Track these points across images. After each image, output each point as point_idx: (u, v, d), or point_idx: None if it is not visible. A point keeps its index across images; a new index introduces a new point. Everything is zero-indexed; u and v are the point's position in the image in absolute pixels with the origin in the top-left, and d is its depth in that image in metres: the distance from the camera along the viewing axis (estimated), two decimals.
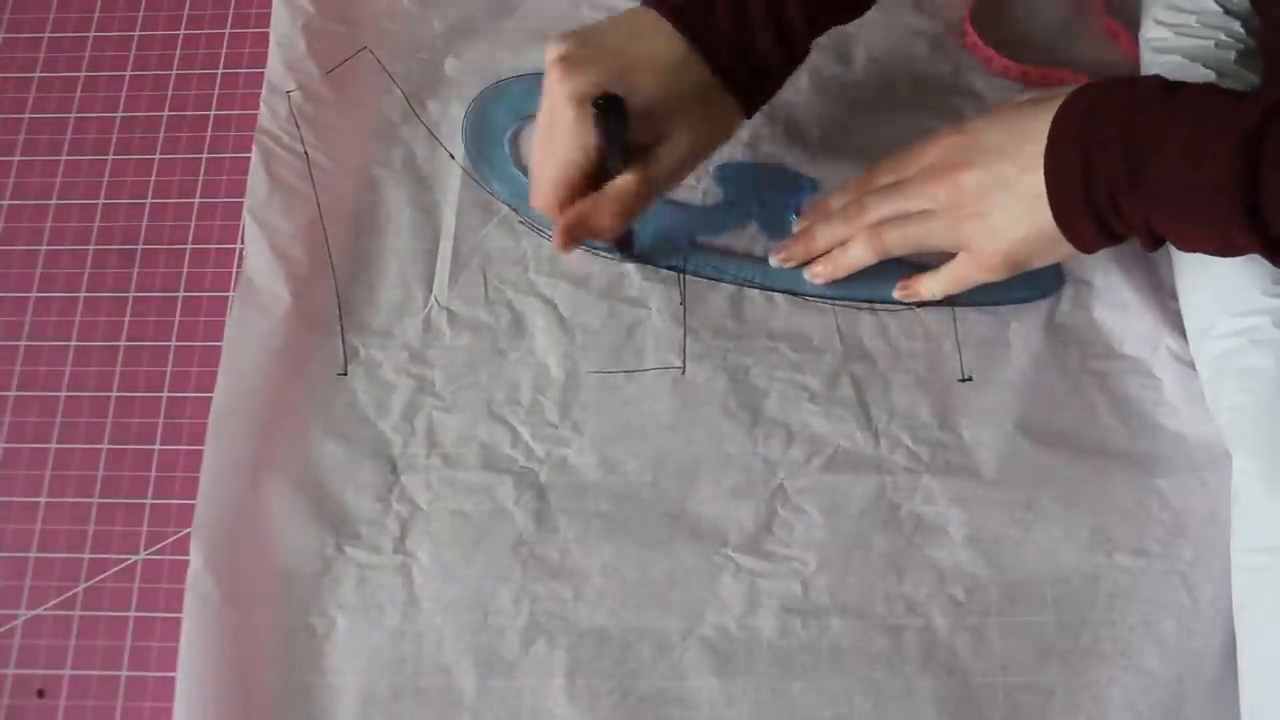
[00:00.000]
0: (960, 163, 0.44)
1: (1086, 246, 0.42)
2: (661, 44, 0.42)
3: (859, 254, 0.47)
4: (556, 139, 0.42)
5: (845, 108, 0.53)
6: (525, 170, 0.52)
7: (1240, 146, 0.35)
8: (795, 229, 0.50)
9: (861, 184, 0.48)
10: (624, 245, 0.49)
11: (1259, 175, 0.35)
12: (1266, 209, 0.36)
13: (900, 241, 0.46)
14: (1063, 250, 0.42)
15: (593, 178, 0.43)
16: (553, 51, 0.42)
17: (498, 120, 0.53)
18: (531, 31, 0.55)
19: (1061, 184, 0.40)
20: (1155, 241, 0.40)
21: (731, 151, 0.52)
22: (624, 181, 0.43)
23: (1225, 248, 0.39)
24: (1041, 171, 0.41)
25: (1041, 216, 0.41)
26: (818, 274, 0.49)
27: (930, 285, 0.48)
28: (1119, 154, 0.38)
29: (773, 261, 0.50)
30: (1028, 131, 0.42)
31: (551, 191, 0.43)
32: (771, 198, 0.51)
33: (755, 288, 0.50)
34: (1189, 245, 0.40)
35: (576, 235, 0.44)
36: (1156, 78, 0.40)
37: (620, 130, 0.41)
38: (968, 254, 0.45)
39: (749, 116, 0.45)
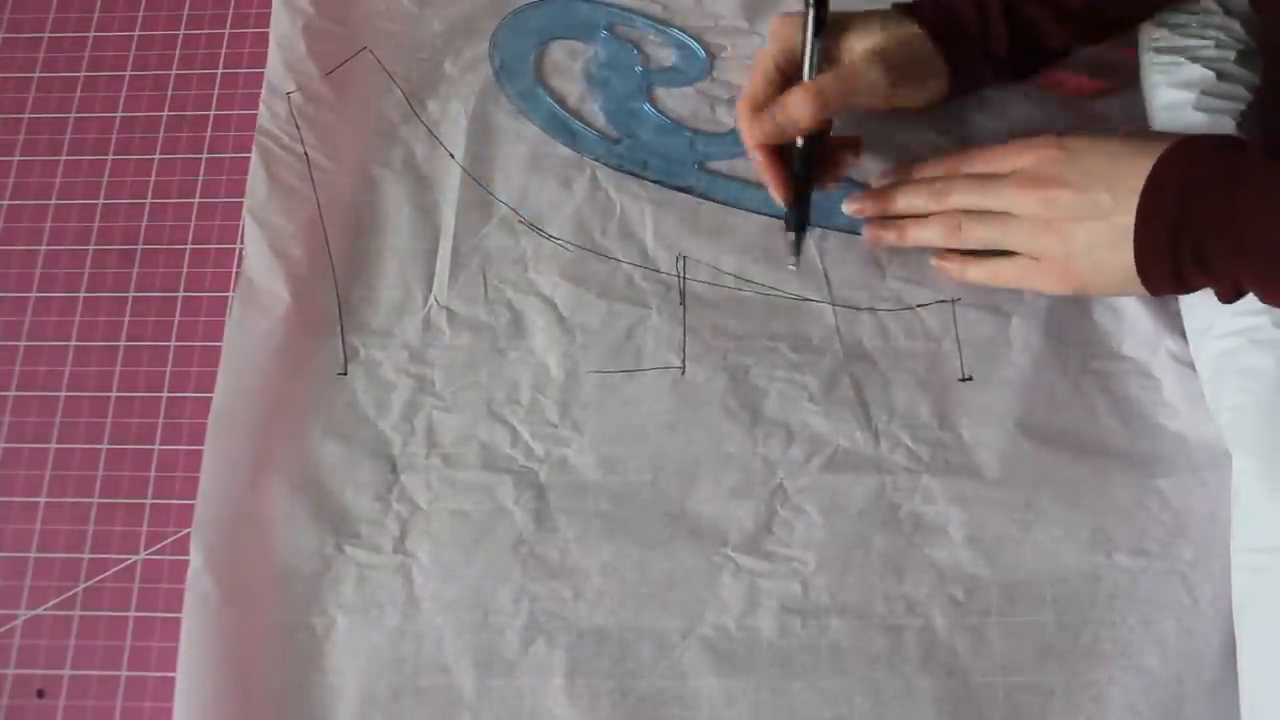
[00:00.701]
0: (1056, 178, 0.44)
1: (1155, 290, 0.43)
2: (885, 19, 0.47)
3: (933, 235, 0.48)
4: (760, 50, 0.48)
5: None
6: (551, 91, 0.54)
7: None
8: (874, 184, 0.51)
9: (952, 163, 0.49)
10: (799, 211, 0.48)
11: None
12: None
13: (977, 236, 0.47)
14: (1131, 288, 0.43)
15: (789, 83, 0.47)
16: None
17: (521, 45, 0.55)
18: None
19: (1150, 227, 0.41)
20: (1237, 295, 0.41)
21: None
22: (821, 77, 0.46)
23: None
24: (1134, 209, 0.41)
25: (1122, 252, 0.42)
26: (882, 237, 0.49)
27: (974, 272, 0.48)
28: (1218, 207, 0.40)
29: (846, 207, 0.50)
30: (1130, 166, 0.42)
31: (744, 94, 0.47)
32: None
33: (761, 214, 0.51)
34: (1276, 303, 0.41)
35: (773, 127, 0.46)
36: (1259, 144, 0.41)
37: (821, 11, 0.45)
38: (1036, 263, 0.45)
39: (952, 95, 0.48)
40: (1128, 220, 0.42)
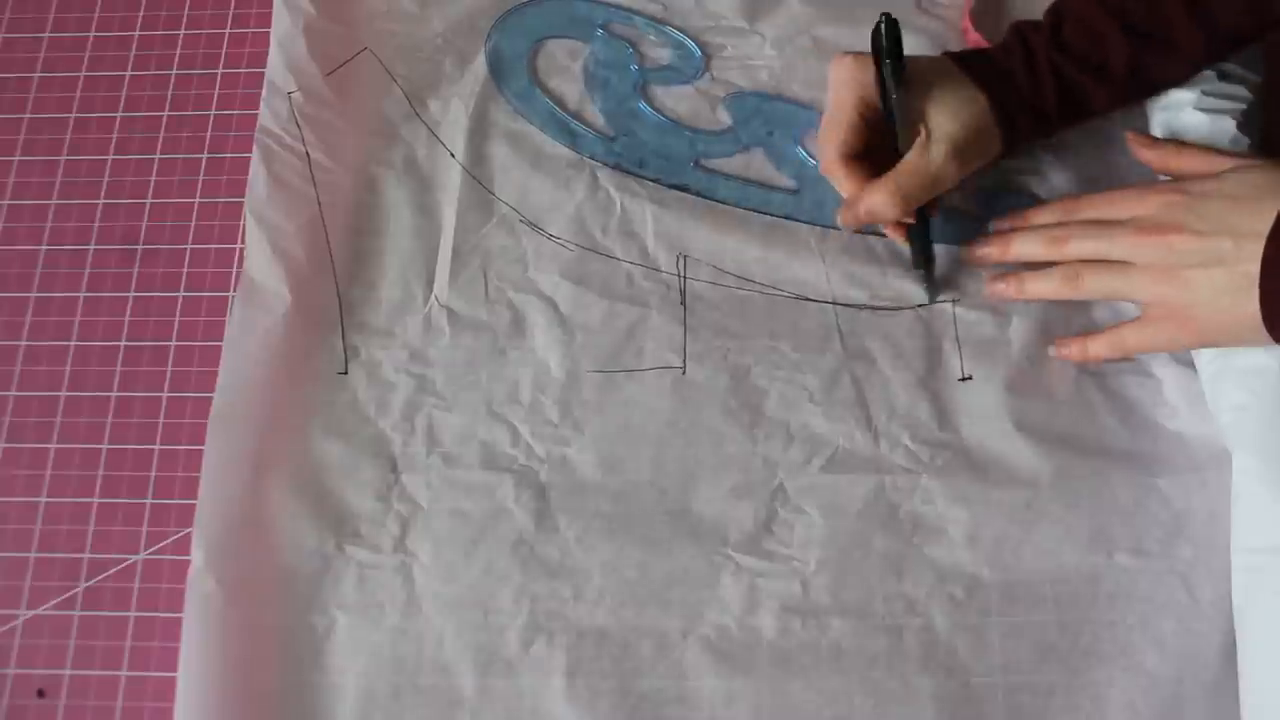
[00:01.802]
0: (1176, 224, 0.43)
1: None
2: (952, 83, 0.47)
3: (1052, 287, 0.47)
4: (836, 93, 0.48)
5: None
6: (545, 89, 0.54)
7: None
8: (993, 228, 0.50)
9: (1068, 209, 0.48)
10: (925, 258, 0.49)
11: None
12: None
13: (1097, 286, 0.46)
14: (1256, 338, 0.41)
15: (873, 132, 0.47)
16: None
17: (516, 45, 0.55)
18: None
19: (1276, 275, 0.40)
20: None
21: (748, 81, 0.54)
22: (902, 177, 0.46)
23: None
24: (1259, 257, 0.40)
25: (1246, 300, 0.41)
26: (999, 291, 0.49)
27: (1095, 347, 0.47)
28: None
29: (964, 255, 0.49)
30: (1253, 210, 0.41)
31: (832, 143, 0.48)
32: (780, 130, 0.53)
33: (756, 212, 0.51)
34: None
35: (857, 217, 0.47)
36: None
37: (897, 51, 0.45)
38: (1156, 322, 0.44)
39: (1007, 153, 0.48)
40: (1252, 268, 0.40)
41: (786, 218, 0.51)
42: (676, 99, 0.54)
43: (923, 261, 0.48)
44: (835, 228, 0.50)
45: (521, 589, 0.45)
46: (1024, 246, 0.48)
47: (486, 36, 0.55)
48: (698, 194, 0.52)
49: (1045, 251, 0.47)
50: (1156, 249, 0.43)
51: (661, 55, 0.55)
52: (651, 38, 0.55)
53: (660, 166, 0.52)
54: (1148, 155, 0.48)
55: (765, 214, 0.51)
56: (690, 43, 0.55)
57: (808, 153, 0.52)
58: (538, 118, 0.53)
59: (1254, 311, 0.40)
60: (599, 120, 0.54)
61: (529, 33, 0.55)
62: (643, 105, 0.54)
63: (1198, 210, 0.43)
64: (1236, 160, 0.44)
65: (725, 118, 0.53)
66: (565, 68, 0.55)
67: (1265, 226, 0.40)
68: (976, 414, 0.47)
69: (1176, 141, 0.48)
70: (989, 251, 0.49)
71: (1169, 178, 0.47)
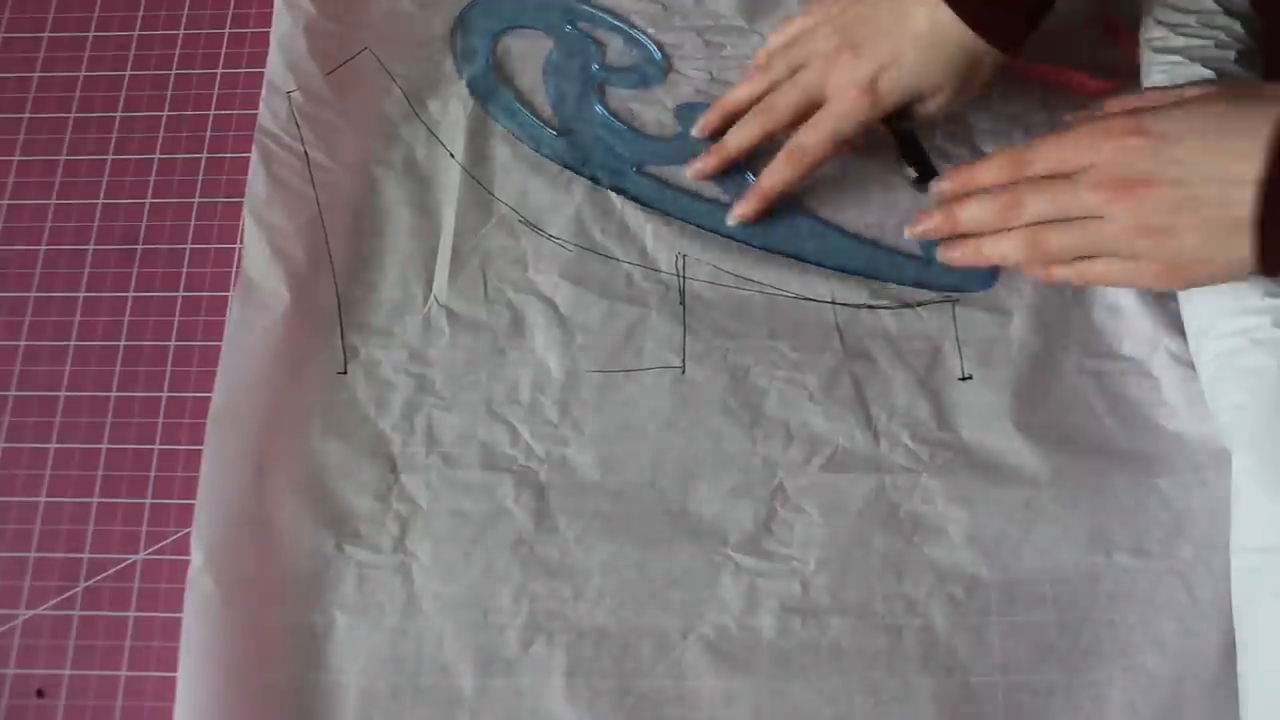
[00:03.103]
0: (1144, 176, 0.40)
1: (1274, 275, 0.40)
2: (923, 16, 0.46)
3: (1013, 250, 0.44)
4: (834, 108, 0.48)
5: None
6: (507, 80, 0.54)
7: None
8: (935, 190, 0.47)
9: (1016, 163, 0.44)
10: (922, 166, 0.50)
11: None
12: None
13: (1063, 248, 0.43)
14: (1242, 275, 0.40)
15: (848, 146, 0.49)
16: (830, 36, 0.48)
17: (482, 32, 0.56)
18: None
19: (1278, 221, 0.37)
20: None
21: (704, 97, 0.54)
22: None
23: None
24: (1250, 200, 0.37)
25: (1237, 244, 0.38)
26: (955, 257, 0.46)
27: (1060, 271, 0.44)
28: None
29: (908, 234, 0.49)
30: (1235, 149, 0.38)
31: (820, 142, 0.48)
32: None
33: (694, 225, 0.51)
34: None
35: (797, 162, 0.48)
36: None
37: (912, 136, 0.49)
38: (1136, 264, 0.42)
39: (1011, 53, 0.47)
40: (1241, 213, 0.38)
41: (713, 231, 0.51)
42: (631, 101, 0.54)
43: (914, 157, 0.50)
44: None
45: (521, 589, 0.45)
46: (974, 214, 0.45)
47: (453, 21, 0.56)
48: (634, 199, 0.51)
49: (999, 219, 0.44)
50: (1126, 206, 0.40)
51: (623, 57, 0.55)
52: (615, 38, 0.56)
53: (601, 166, 0.52)
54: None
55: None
56: (652, 47, 0.55)
57: (752, 172, 0.52)
58: (492, 103, 0.54)
59: (1244, 255, 0.38)
60: (546, 111, 0.54)
61: (496, 19, 0.56)
62: (596, 105, 0.54)
63: (1167, 153, 0.39)
64: (1192, 89, 0.42)
65: (674, 126, 0.54)
66: (526, 56, 0.55)
67: (1252, 171, 0.37)
68: (976, 414, 0.47)
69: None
70: (936, 224, 0.46)
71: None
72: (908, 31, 0.46)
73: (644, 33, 0.56)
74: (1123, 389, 0.47)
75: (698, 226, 0.51)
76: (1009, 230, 0.44)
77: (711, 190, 0.52)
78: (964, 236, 0.46)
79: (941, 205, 0.47)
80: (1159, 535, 0.45)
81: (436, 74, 0.55)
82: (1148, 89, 0.44)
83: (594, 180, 0.52)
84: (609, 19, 0.56)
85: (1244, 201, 0.38)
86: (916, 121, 0.50)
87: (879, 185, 0.52)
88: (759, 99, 0.50)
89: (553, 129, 0.53)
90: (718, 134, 0.52)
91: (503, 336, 0.49)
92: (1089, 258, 0.43)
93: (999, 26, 0.45)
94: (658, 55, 0.55)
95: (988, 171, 0.45)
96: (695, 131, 0.52)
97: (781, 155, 0.49)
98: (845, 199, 0.52)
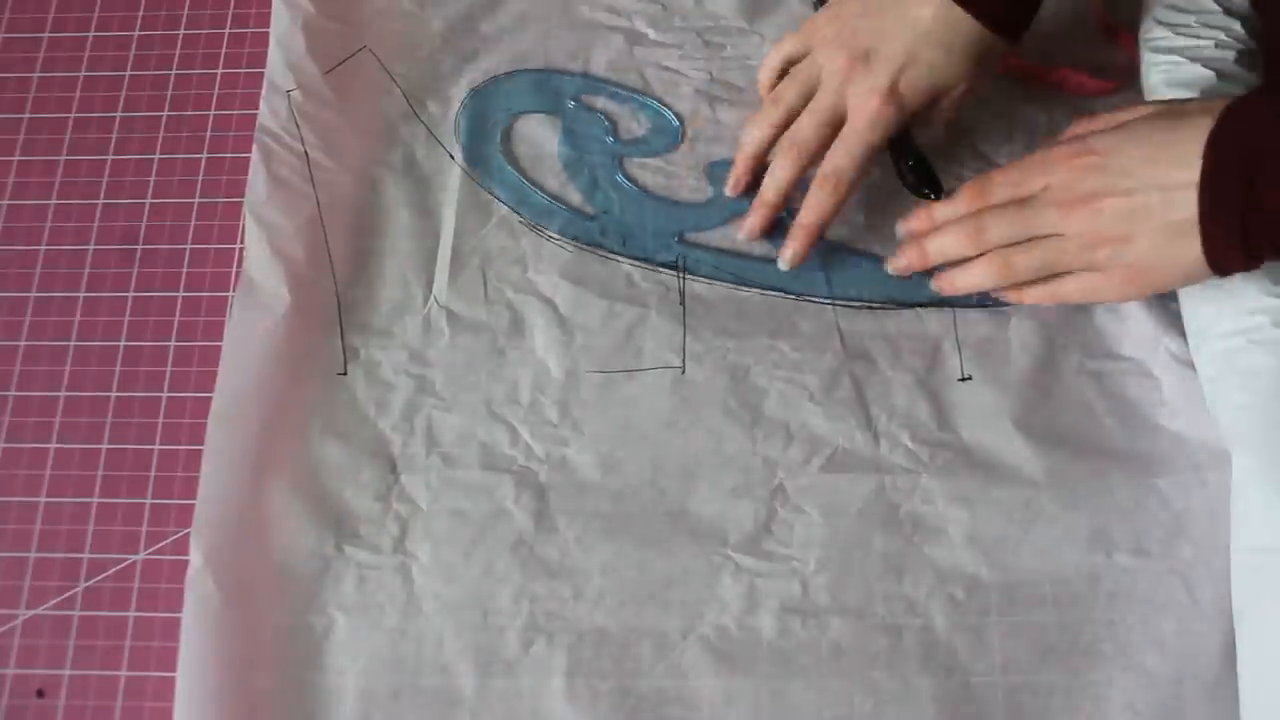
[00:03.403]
0: (1095, 190, 0.42)
1: (1226, 273, 0.41)
2: (929, 15, 0.46)
3: (983, 278, 0.45)
4: (859, 122, 0.47)
5: None
6: (518, 167, 0.52)
7: None
8: (901, 232, 0.48)
9: (977, 193, 0.46)
10: (926, 178, 0.50)
11: None
12: None
13: (1030, 267, 0.44)
14: (1201, 276, 0.41)
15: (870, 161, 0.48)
16: (837, 53, 0.48)
17: (490, 117, 0.53)
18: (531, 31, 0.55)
19: (1218, 217, 0.39)
20: None
21: (728, 150, 0.52)
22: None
23: None
24: (1193, 201, 0.39)
25: (1188, 245, 0.40)
26: (937, 287, 0.48)
27: (1034, 294, 0.46)
28: None
29: (890, 269, 0.48)
30: (1175, 155, 0.40)
31: (854, 161, 0.48)
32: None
33: (751, 287, 0.50)
34: None
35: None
36: None
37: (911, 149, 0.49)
38: (1098, 275, 0.43)
39: (1016, 42, 0.48)
40: (1188, 214, 0.40)
41: (779, 290, 0.50)
42: (654, 171, 0.52)
43: (915, 169, 0.50)
44: (833, 300, 0.49)
45: (521, 589, 0.45)
46: (942, 246, 0.46)
47: (454, 116, 0.54)
48: (686, 271, 0.50)
49: (965, 246, 0.45)
50: (1082, 219, 0.42)
51: (636, 126, 0.54)
52: (624, 109, 0.54)
53: (644, 244, 0.51)
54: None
55: (765, 290, 0.49)
56: (666, 111, 0.53)
57: (788, 211, 0.50)
58: (510, 196, 0.52)
59: (1196, 255, 0.40)
60: (577, 199, 0.52)
61: (499, 110, 0.54)
62: (621, 178, 0.52)
63: (1114, 167, 0.42)
64: (1135, 110, 0.44)
65: (707, 188, 0.52)
66: (539, 145, 0.53)
67: (1191, 174, 0.39)
68: (976, 414, 0.47)
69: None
70: (908, 260, 0.47)
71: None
72: (917, 32, 0.46)
73: (650, 98, 0.54)
74: (1123, 389, 0.47)
75: (760, 289, 0.49)
76: (978, 258, 0.45)
77: (767, 249, 0.51)
78: (939, 271, 0.47)
79: (910, 243, 0.48)
80: (1159, 535, 0.45)
81: (436, 74, 0.55)
82: (1094, 116, 0.46)
83: (640, 260, 0.50)
84: (612, 89, 0.54)
85: (1187, 204, 0.40)
86: (914, 134, 0.50)
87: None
88: (779, 132, 0.50)
89: (588, 215, 0.51)
90: (752, 186, 0.51)
91: (503, 337, 0.49)
92: (1058, 277, 0.45)
93: (1004, 16, 0.46)
94: (673, 119, 0.53)
95: (951, 206, 0.47)
96: (728, 191, 0.51)
97: (817, 184, 0.48)
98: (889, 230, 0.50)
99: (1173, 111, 0.42)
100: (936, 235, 0.46)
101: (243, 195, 0.51)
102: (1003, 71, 0.53)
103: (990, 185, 0.45)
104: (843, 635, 0.44)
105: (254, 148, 0.51)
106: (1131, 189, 0.41)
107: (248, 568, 0.45)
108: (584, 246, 0.51)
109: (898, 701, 0.43)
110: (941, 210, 0.47)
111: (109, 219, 0.53)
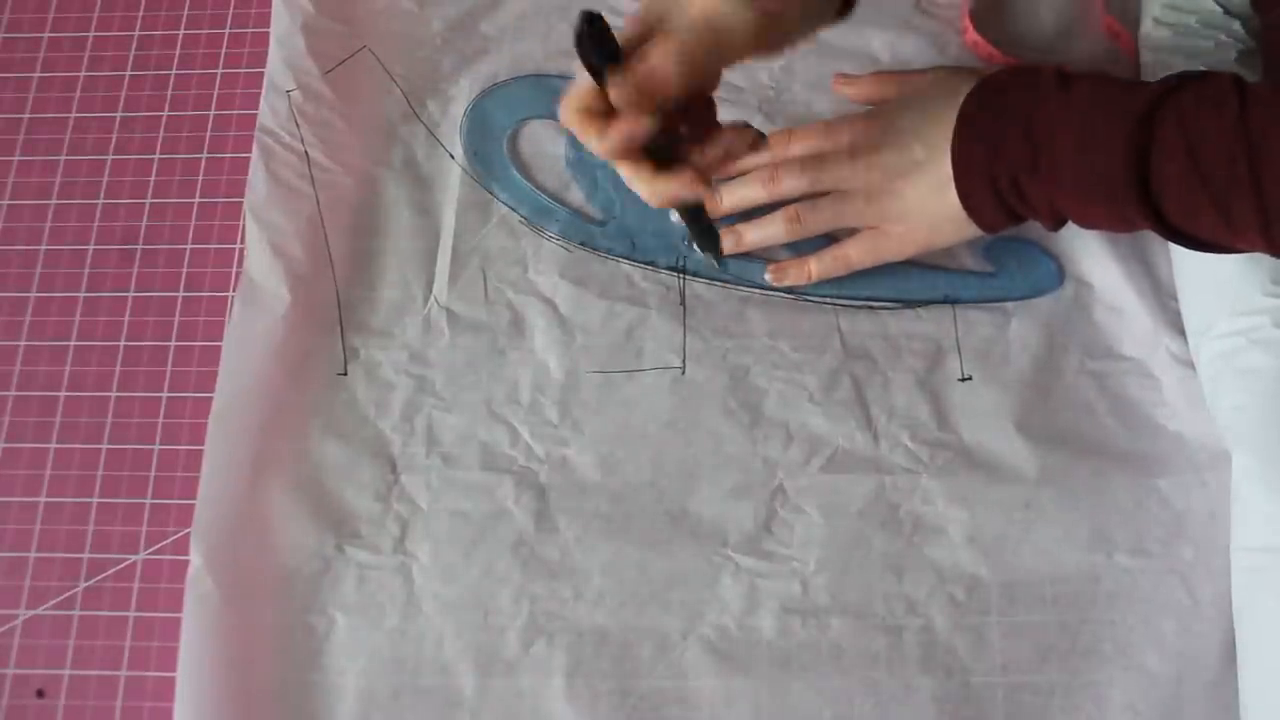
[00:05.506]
0: (875, 145, 0.46)
1: (991, 227, 0.44)
2: (943, 207, 0.45)
3: (773, 232, 0.48)
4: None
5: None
6: (524, 172, 0.52)
7: (1131, 135, 0.38)
8: (716, 183, 0.49)
9: (779, 148, 0.48)
10: (710, 241, 0.47)
11: (1149, 160, 0.38)
12: (1156, 190, 0.38)
13: (818, 223, 0.48)
14: (969, 230, 0.45)
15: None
16: (853, 178, 0.47)
17: (496, 122, 0.53)
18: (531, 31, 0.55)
19: (967, 170, 0.43)
20: (1058, 222, 0.43)
21: None
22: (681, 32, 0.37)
23: (1123, 225, 0.41)
24: (949, 156, 0.43)
25: (949, 198, 0.44)
26: (727, 247, 0.49)
27: (818, 266, 0.48)
28: (1021, 143, 0.41)
29: (768, 277, 0.49)
30: (938, 116, 0.44)
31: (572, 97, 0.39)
32: None
33: (754, 288, 0.50)
34: (1090, 224, 0.43)
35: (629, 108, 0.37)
36: (1056, 68, 0.42)
37: (605, 49, 0.36)
38: (877, 232, 0.47)
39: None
40: (946, 166, 0.43)
41: (779, 290, 0.49)
42: None
43: (703, 234, 0.46)
44: (833, 300, 0.49)
45: (521, 589, 0.45)
46: (741, 190, 0.49)
47: (459, 122, 0.53)
48: (694, 274, 0.50)
49: (761, 192, 0.48)
50: (863, 171, 0.46)
51: None
52: None
53: (652, 247, 0.50)
54: (851, 92, 0.50)
55: (765, 290, 0.49)
56: None
57: None
58: (518, 202, 0.51)
59: (958, 208, 0.44)
60: (585, 205, 0.52)
61: (504, 115, 0.53)
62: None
63: (892, 126, 0.46)
64: (929, 74, 0.48)
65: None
66: (547, 150, 0.53)
67: (950, 125, 0.43)
68: (976, 414, 0.47)
69: (875, 73, 0.50)
70: (714, 205, 0.49)
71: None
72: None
73: None
74: (1123, 389, 0.47)
75: (761, 289, 0.49)
76: (769, 215, 0.48)
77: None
78: (729, 225, 0.49)
79: (720, 187, 0.49)
80: (1159, 535, 0.45)
81: (436, 74, 0.55)
82: (881, 74, 0.49)
83: (650, 265, 0.50)
84: None
85: (945, 159, 0.43)
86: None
87: None
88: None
89: (597, 221, 0.51)
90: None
91: (503, 337, 0.49)
92: (842, 243, 0.48)
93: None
94: None
95: (755, 157, 0.48)
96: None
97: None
98: None
99: (949, 77, 0.46)
100: (736, 181, 0.49)
101: (243, 195, 0.51)
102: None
103: (792, 139, 0.49)
104: (843, 635, 0.44)
105: (254, 147, 0.51)
106: (903, 145, 0.45)
107: (248, 568, 0.45)
108: (585, 248, 0.51)
109: (898, 701, 0.43)
110: (747, 161, 0.48)
111: (109, 219, 0.53)
